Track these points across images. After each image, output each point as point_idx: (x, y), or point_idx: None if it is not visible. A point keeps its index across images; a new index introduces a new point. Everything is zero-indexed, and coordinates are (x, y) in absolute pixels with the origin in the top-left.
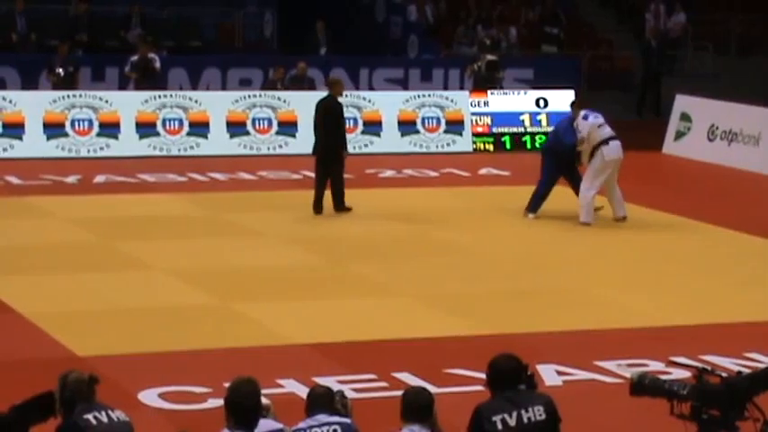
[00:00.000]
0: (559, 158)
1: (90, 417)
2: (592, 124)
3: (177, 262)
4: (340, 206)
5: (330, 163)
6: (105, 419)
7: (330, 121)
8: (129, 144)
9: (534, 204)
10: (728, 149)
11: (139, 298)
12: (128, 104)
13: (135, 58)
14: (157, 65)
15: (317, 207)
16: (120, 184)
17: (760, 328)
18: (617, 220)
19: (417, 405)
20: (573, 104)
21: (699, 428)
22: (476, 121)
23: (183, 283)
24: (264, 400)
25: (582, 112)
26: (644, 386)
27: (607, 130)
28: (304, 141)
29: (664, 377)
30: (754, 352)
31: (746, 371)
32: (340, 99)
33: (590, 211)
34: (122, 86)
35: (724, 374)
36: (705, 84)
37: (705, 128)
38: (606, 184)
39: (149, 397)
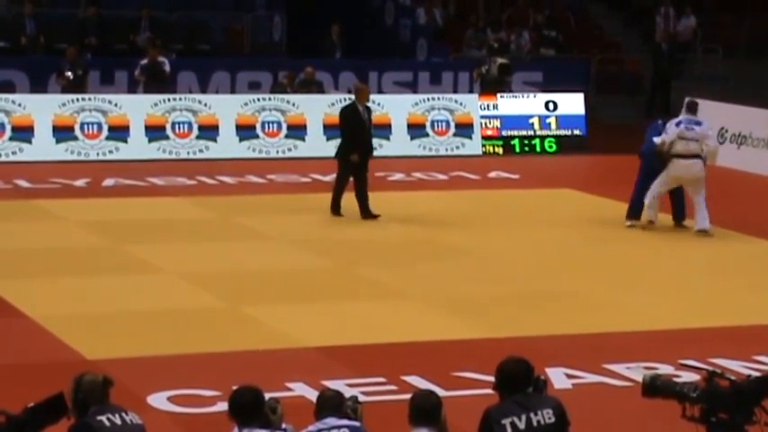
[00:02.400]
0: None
1: (103, 418)
2: (675, 132)
3: (186, 265)
4: (366, 212)
5: (340, 167)
6: (118, 421)
7: (343, 127)
8: (138, 147)
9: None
10: (738, 152)
11: (149, 301)
12: (137, 108)
13: (144, 61)
14: (167, 68)
15: (336, 209)
16: (129, 187)
17: None
18: (697, 232)
19: (425, 408)
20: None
21: (707, 431)
22: (485, 124)
23: (192, 285)
24: (272, 402)
25: (678, 118)
26: (656, 387)
27: (683, 145)
28: (313, 145)
29: (675, 380)
30: (764, 355)
31: (756, 374)
32: (367, 104)
33: (650, 209)
34: (131, 90)
35: (733, 377)
36: (715, 86)
37: (715, 131)
38: (689, 197)
39: (158, 400)
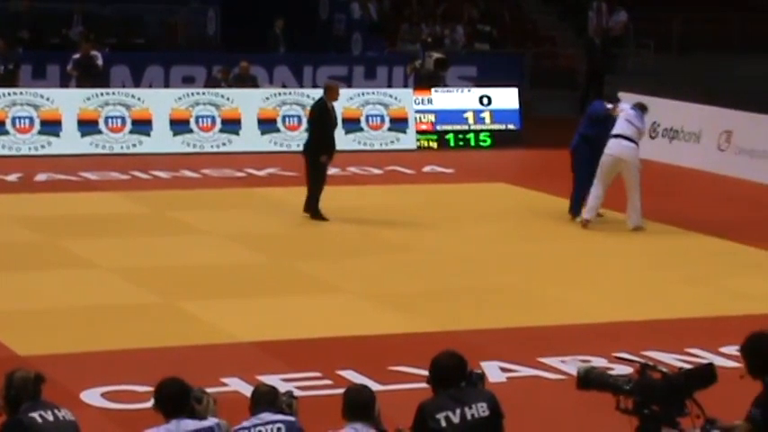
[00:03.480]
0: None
1: (35, 415)
2: (624, 111)
3: (121, 260)
4: (315, 213)
5: (309, 166)
6: (51, 418)
7: (312, 125)
8: (70, 142)
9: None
10: (670, 147)
11: (83, 297)
12: (70, 102)
13: (77, 55)
14: (100, 62)
15: (316, 211)
16: (62, 182)
17: (702, 323)
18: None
19: (359, 403)
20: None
21: (640, 423)
22: (420, 118)
23: (126, 281)
24: (197, 392)
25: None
26: (590, 380)
27: (626, 126)
28: (247, 139)
29: (608, 373)
30: (696, 348)
31: (688, 366)
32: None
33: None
34: (64, 84)
35: (665, 370)
36: (647, 81)
37: (647, 125)
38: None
39: (92, 396)
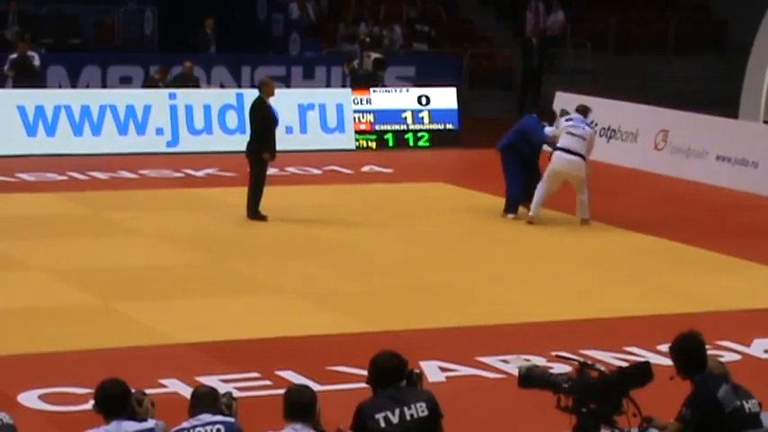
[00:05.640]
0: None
1: None
2: (564, 127)
3: (57, 262)
4: (254, 213)
5: (252, 165)
6: None
7: (253, 123)
8: (7, 143)
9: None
10: (607, 146)
11: (19, 298)
12: (6, 102)
13: (13, 55)
14: (36, 62)
15: (257, 212)
16: None
17: (639, 322)
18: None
19: (299, 403)
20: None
21: (578, 421)
22: (358, 118)
23: (63, 282)
24: (138, 394)
25: (570, 116)
26: (531, 379)
27: (568, 140)
28: (186, 140)
29: (550, 371)
30: (634, 346)
31: (625, 365)
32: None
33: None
34: (0, 84)
35: (602, 368)
36: (584, 81)
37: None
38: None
39: (29, 399)
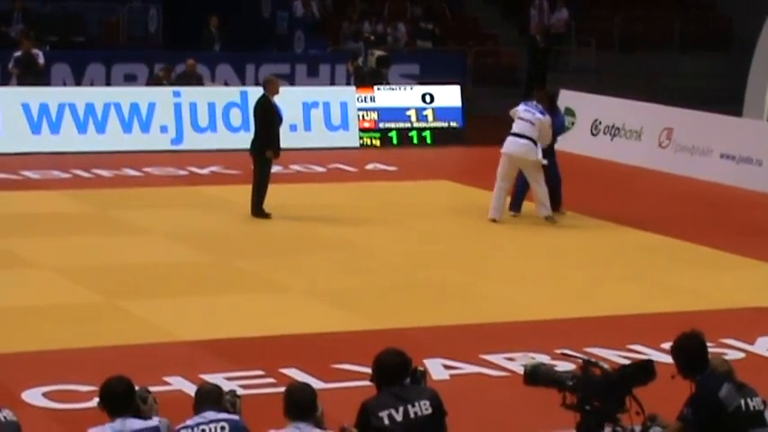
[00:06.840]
0: None
1: None
2: (516, 111)
3: (63, 259)
4: (258, 211)
5: (256, 163)
6: None
7: (257, 121)
8: (12, 140)
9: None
10: (611, 144)
11: (23, 296)
12: (10, 100)
13: (18, 53)
14: (41, 60)
15: (260, 210)
16: (2, 180)
17: (643, 320)
18: (545, 219)
19: (301, 402)
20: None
21: (581, 419)
22: (362, 116)
23: (68, 280)
24: (142, 391)
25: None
26: (537, 376)
27: (518, 124)
28: (190, 137)
29: (555, 369)
30: (638, 344)
31: (628, 362)
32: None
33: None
34: (5, 82)
35: (606, 366)
36: (588, 79)
37: (589, 123)
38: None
39: (34, 396)
